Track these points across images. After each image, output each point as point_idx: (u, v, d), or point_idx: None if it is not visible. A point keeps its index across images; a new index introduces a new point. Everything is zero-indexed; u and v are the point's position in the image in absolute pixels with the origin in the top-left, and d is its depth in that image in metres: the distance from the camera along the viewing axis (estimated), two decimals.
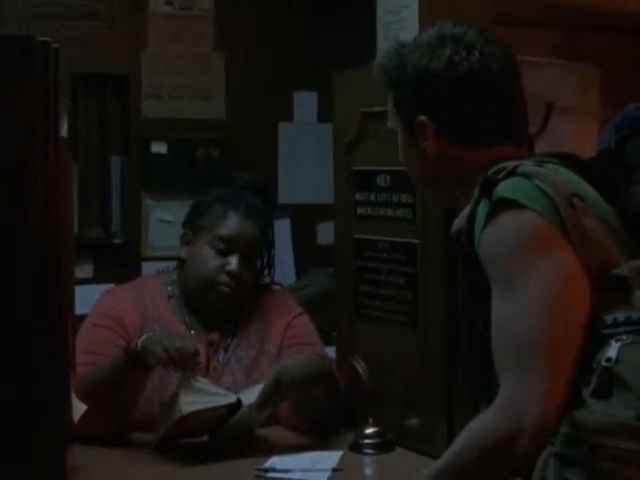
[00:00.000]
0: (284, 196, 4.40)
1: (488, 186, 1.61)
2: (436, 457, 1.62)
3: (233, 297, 2.44)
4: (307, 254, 4.38)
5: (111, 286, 2.94)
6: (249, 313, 2.51)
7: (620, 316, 1.50)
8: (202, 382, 2.24)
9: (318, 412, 2.37)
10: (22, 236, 1.49)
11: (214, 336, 2.46)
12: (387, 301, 2.36)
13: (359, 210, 2.45)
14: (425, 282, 2.26)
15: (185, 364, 2.22)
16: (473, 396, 1.88)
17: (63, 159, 1.71)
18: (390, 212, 2.35)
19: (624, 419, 1.40)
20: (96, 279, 3.95)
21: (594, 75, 2.36)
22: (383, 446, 2.29)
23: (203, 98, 4.30)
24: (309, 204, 4.39)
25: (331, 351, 2.56)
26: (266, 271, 2.58)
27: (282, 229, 4.23)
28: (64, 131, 1.79)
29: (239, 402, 2.20)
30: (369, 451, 2.28)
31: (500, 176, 1.62)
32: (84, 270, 3.95)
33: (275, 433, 2.39)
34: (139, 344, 2.23)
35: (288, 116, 4.48)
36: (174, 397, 2.22)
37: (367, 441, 2.28)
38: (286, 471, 2.12)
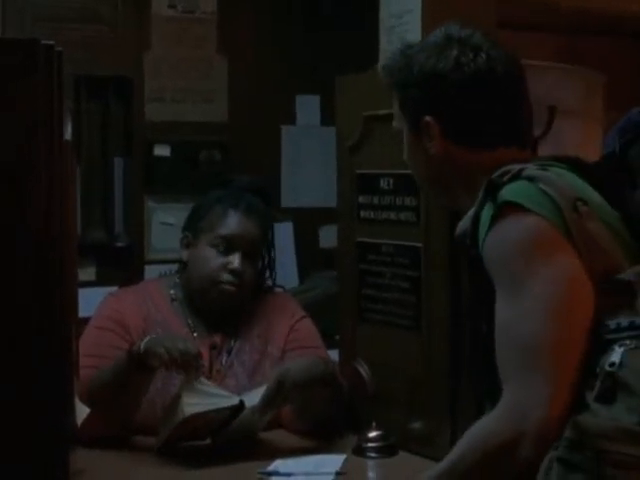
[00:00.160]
0: (287, 199, 4.40)
1: (493, 189, 1.61)
2: (440, 461, 1.62)
3: (236, 296, 2.44)
4: (310, 257, 4.38)
5: (114, 289, 2.95)
6: (252, 316, 2.51)
7: (624, 321, 1.49)
8: (205, 384, 2.24)
9: (321, 415, 2.37)
10: (22, 236, 1.50)
11: (217, 339, 2.46)
12: (390, 304, 2.36)
13: (362, 213, 2.45)
14: (429, 285, 2.26)
15: (188, 366, 2.22)
16: (477, 399, 1.88)
17: (67, 161, 1.72)
18: (393, 215, 2.35)
19: (627, 424, 1.40)
20: (99, 282, 3.96)
21: (597, 79, 2.36)
22: (386, 449, 2.28)
23: (206, 101, 4.31)
24: (312, 207, 4.39)
25: (334, 354, 2.56)
26: (267, 274, 2.58)
27: (285, 232, 4.23)
28: (68, 134, 1.79)
29: (242, 404, 2.20)
30: (372, 454, 2.27)
31: (505, 179, 1.62)
32: (87, 273, 3.96)
33: (278, 436, 2.39)
34: (142, 346, 2.23)
35: (291, 119, 4.48)
36: (176, 399, 2.22)
37: (370, 444, 2.28)
38: (289, 474, 2.12)
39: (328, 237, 4.08)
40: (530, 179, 1.60)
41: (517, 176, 1.62)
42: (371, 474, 2.28)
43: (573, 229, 1.55)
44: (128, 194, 4.16)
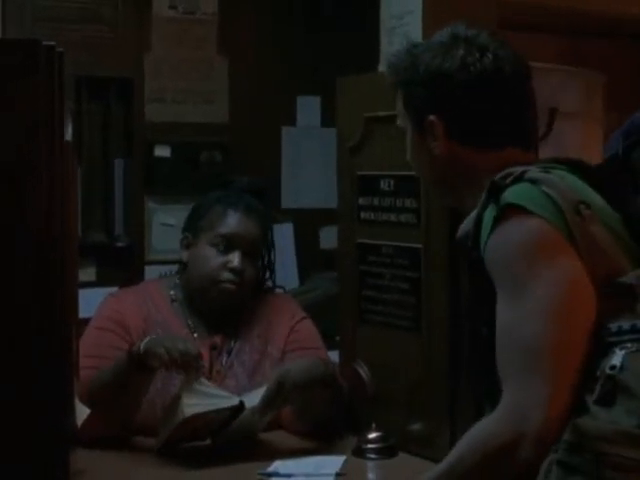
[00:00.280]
0: (287, 200, 4.40)
1: (495, 191, 1.61)
2: (439, 462, 1.62)
3: (236, 294, 2.44)
4: (310, 258, 4.38)
5: (114, 289, 2.95)
6: (252, 316, 2.51)
7: (625, 324, 1.49)
8: (205, 384, 2.24)
9: (321, 416, 2.37)
10: (23, 236, 1.50)
11: (217, 339, 2.46)
12: (390, 306, 2.36)
13: (362, 215, 2.45)
14: (429, 287, 2.26)
15: (188, 367, 2.22)
16: (476, 401, 1.88)
17: (67, 162, 1.72)
18: (394, 217, 2.35)
19: (627, 427, 1.40)
20: (99, 282, 3.96)
21: (598, 81, 2.36)
22: (386, 451, 2.28)
23: (207, 102, 4.31)
24: (312, 208, 4.39)
25: (334, 355, 2.56)
26: (267, 275, 2.58)
27: (285, 233, 4.23)
28: (69, 134, 1.80)
29: (242, 404, 2.20)
30: (372, 456, 2.27)
31: (507, 181, 1.62)
32: (87, 273, 3.96)
33: (278, 437, 2.39)
34: (142, 347, 2.23)
35: (291, 120, 4.48)
36: (176, 400, 2.22)
37: (370, 446, 2.28)
38: (289, 475, 2.12)
39: (328, 238, 4.08)
40: (533, 181, 1.60)
41: (520, 178, 1.62)
42: (371, 475, 2.28)
43: (575, 232, 1.55)
44: (128, 195, 4.16)
